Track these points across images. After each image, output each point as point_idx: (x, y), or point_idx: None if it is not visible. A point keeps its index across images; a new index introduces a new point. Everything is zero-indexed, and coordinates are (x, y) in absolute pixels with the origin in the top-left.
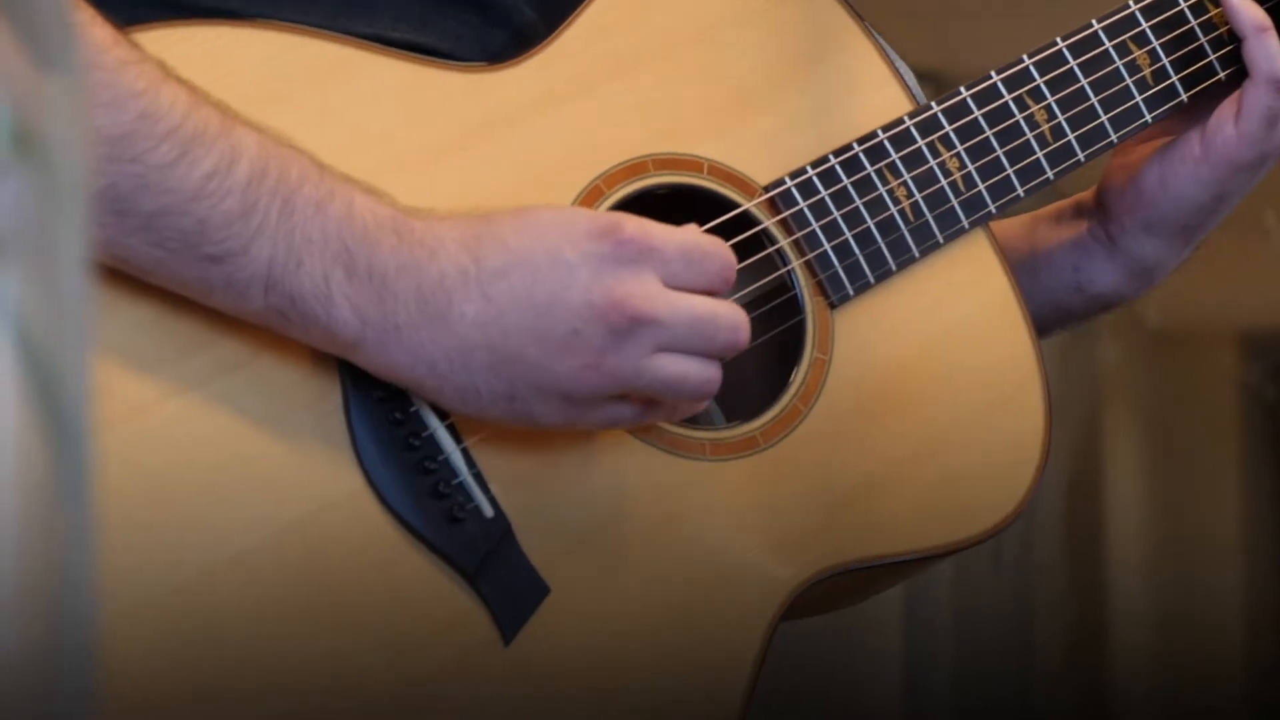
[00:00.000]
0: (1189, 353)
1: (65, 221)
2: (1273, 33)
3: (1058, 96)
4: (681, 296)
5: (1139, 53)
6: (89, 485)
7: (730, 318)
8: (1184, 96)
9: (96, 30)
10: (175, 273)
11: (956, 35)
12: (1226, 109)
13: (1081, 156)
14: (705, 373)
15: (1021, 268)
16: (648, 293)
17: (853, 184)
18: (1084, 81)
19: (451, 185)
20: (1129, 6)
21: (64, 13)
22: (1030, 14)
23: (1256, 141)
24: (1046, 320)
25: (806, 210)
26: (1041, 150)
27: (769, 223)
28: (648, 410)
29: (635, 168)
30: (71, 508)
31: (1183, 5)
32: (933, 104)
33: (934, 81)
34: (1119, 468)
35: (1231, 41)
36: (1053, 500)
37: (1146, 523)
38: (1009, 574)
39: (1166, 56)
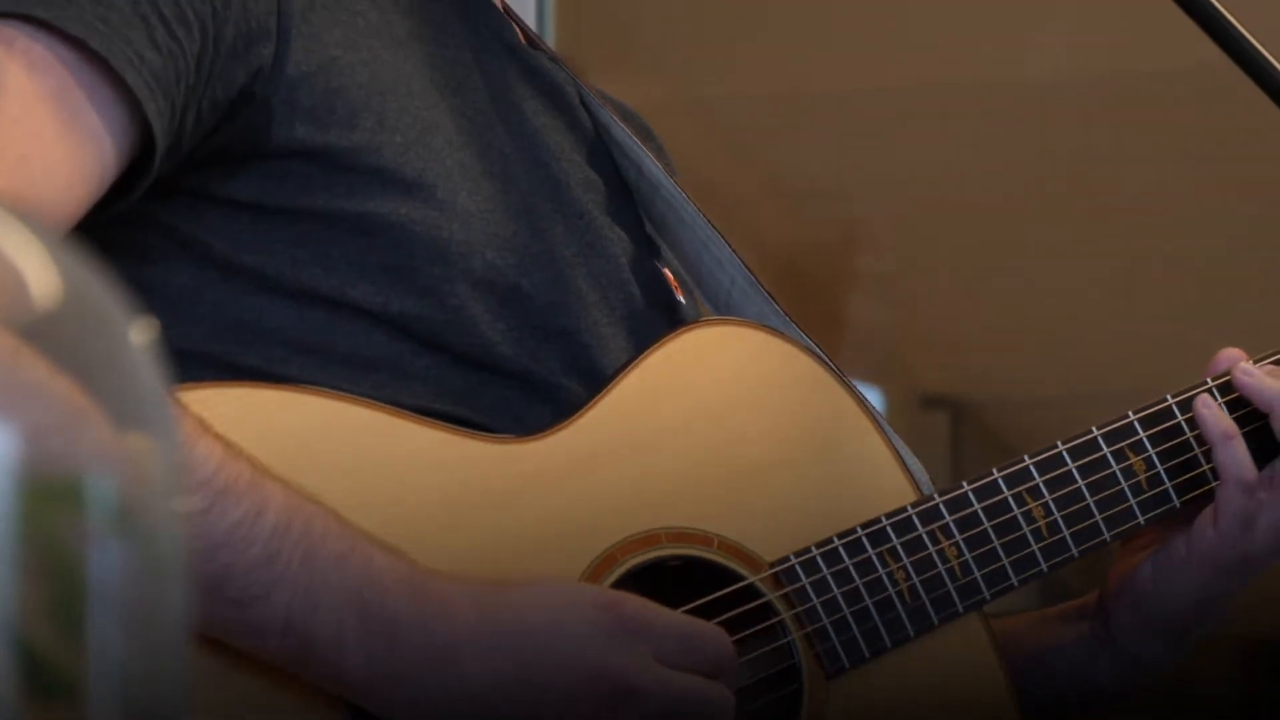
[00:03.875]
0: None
1: (164, 584)
2: (1239, 440)
3: (1055, 495)
4: (672, 674)
5: (1135, 459)
6: None
7: (719, 697)
8: (1177, 502)
9: None
10: (198, 615)
11: (973, 364)
12: (1209, 512)
13: (1075, 552)
14: None
15: (1030, 662)
16: (639, 666)
17: (854, 565)
18: (1081, 483)
19: (470, 547)
20: (1128, 416)
21: (160, 392)
22: (1038, 348)
23: (1235, 541)
24: (1052, 712)
25: (809, 586)
26: (1037, 544)
27: (772, 596)
28: None
29: (649, 539)
30: None
31: (1179, 418)
32: (935, 495)
33: (951, 406)
34: None
35: None
36: None
37: None
38: None
39: (1161, 464)
